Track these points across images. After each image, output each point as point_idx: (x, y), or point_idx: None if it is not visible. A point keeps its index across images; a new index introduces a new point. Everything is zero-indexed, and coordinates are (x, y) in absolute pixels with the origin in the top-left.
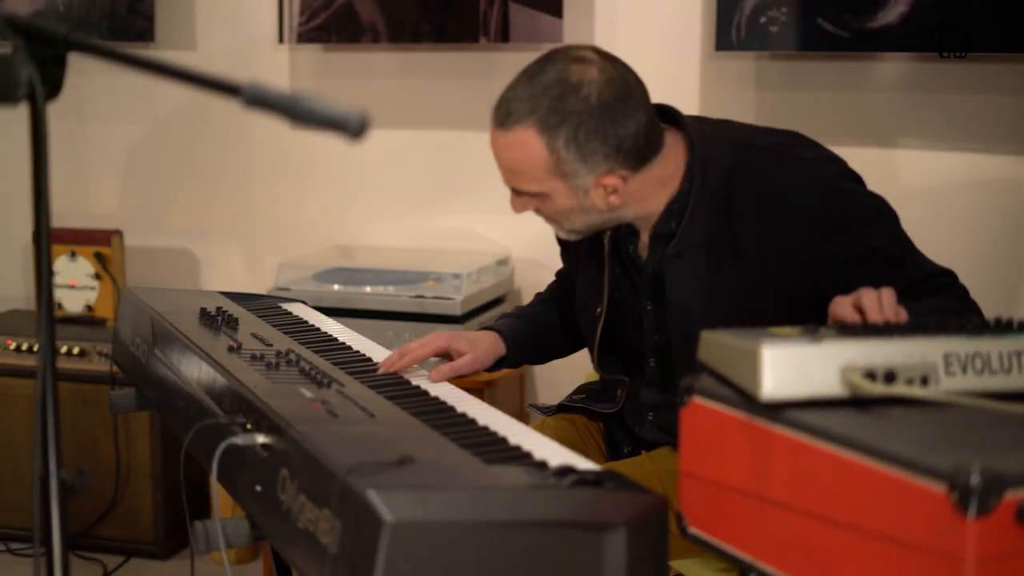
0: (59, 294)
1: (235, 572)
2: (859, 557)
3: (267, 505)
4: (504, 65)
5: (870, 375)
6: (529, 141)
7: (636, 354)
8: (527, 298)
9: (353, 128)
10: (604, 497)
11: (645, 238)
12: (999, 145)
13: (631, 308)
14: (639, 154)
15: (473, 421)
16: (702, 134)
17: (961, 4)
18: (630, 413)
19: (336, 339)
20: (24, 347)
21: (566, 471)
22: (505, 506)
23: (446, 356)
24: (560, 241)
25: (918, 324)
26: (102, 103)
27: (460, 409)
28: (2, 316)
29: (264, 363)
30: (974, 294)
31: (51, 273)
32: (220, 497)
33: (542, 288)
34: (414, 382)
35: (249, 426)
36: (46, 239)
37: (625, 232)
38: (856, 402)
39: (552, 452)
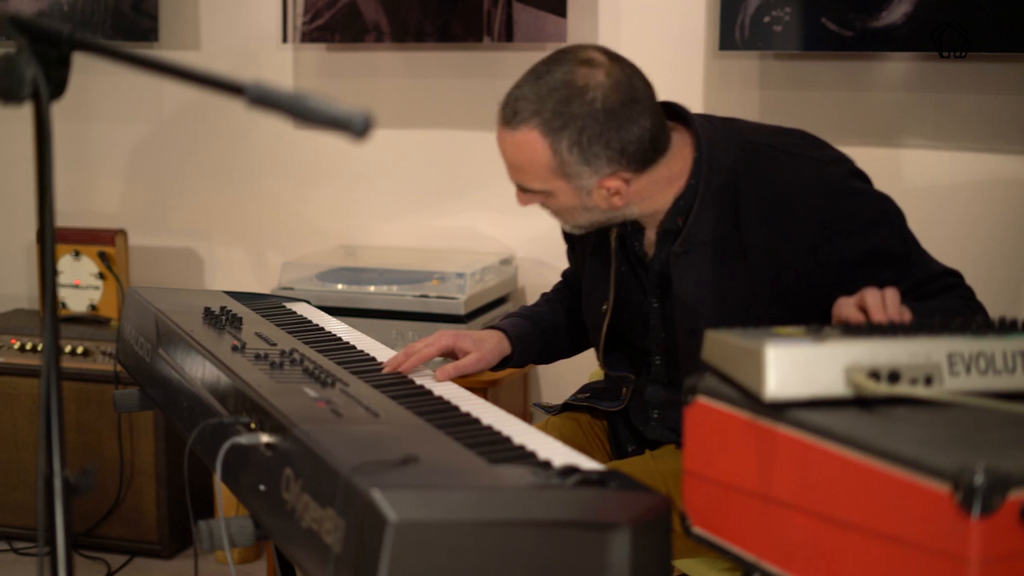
0: (63, 293)
1: (239, 571)
2: (863, 557)
3: (271, 504)
4: (508, 65)
5: (874, 375)
6: (533, 142)
7: (642, 352)
8: (531, 297)
9: (357, 128)
10: (608, 497)
11: (651, 235)
12: (1003, 145)
13: (637, 306)
14: (643, 157)
15: (477, 421)
16: (709, 132)
17: (965, 3)
18: (635, 411)
19: (340, 338)
20: (28, 346)
21: (570, 471)
22: (509, 506)
23: (451, 355)
24: (566, 239)
25: (922, 324)
26: (106, 102)
27: (464, 409)
28: (6, 315)
29: (268, 362)
30: (978, 293)
31: (55, 272)
32: (224, 496)
33: (546, 287)
34: (418, 381)
35: (253, 425)
36: (50, 238)
37: (631, 229)
38: (860, 402)
39: (556, 452)
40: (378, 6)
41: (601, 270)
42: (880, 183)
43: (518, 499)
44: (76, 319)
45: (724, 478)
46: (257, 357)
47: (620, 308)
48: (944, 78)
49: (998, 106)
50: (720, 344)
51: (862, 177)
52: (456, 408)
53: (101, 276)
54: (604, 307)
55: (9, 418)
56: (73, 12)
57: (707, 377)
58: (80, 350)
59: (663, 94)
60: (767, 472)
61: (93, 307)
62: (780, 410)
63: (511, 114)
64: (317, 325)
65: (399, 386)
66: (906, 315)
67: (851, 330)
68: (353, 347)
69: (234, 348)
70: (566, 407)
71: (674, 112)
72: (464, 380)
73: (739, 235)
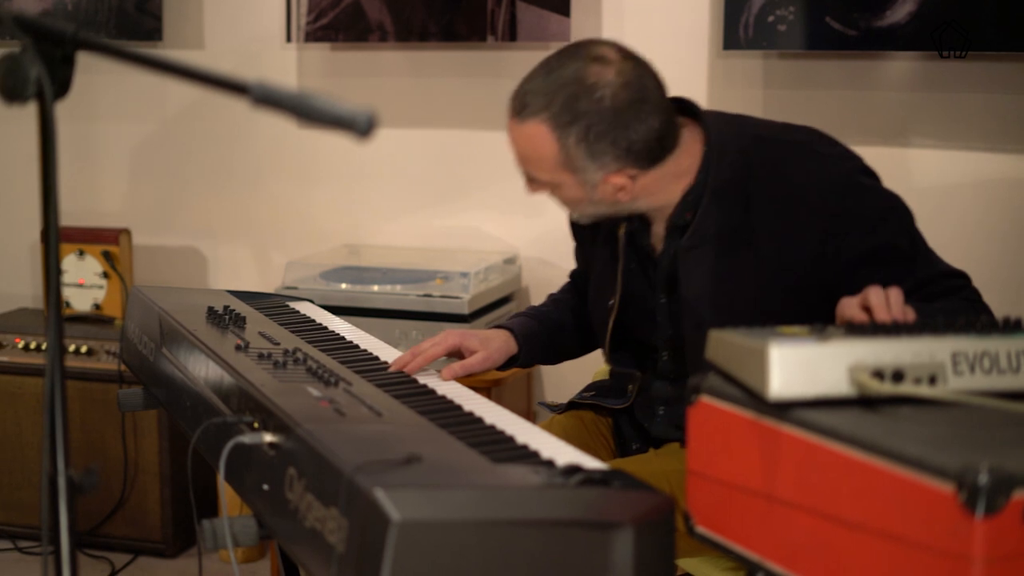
0: (67, 293)
1: (242, 571)
2: (867, 556)
3: (274, 504)
4: (512, 64)
5: (878, 374)
6: (541, 135)
7: (649, 348)
8: (535, 296)
9: (361, 127)
10: (611, 496)
11: (660, 229)
12: (1008, 144)
13: (644, 301)
14: (650, 155)
15: (480, 420)
16: (719, 127)
17: (969, 3)
18: (640, 407)
19: (343, 338)
20: (32, 346)
21: (573, 470)
22: (512, 505)
23: (457, 354)
24: (574, 237)
25: (926, 323)
26: (110, 102)
27: (467, 408)
28: (10, 315)
29: (271, 362)
30: (981, 292)
31: (59, 272)
32: (227, 496)
33: (550, 286)
34: (421, 380)
35: (256, 425)
36: (54, 238)
37: (638, 225)
38: (864, 401)
39: (559, 451)
40: (382, 5)
41: (609, 266)
42: (884, 182)
43: (521, 498)
44: (80, 318)
45: (728, 477)
46: (261, 356)
47: (627, 304)
48: (949, 78)
49: (1003, 105)
50: (724, 343)
51: (872, 175)
52: (459, 407)
53: (105, 275)
54: (611, 302)
55: (13, 417)
56: (77, 11)
57: (711, 376)
58: (84, 349)
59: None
60: (771, 471)
61: (97, 306)
62: (784, 409)
63: (520, 107)
64: (321, 324)
65: (402, 385)
66: (909, 314)
67: (855, 329)
68: (356, 346)
69: (238, 347)
70: (572, 405)
71: (685, 107)
72: (468, 379)
73: (748, 230)
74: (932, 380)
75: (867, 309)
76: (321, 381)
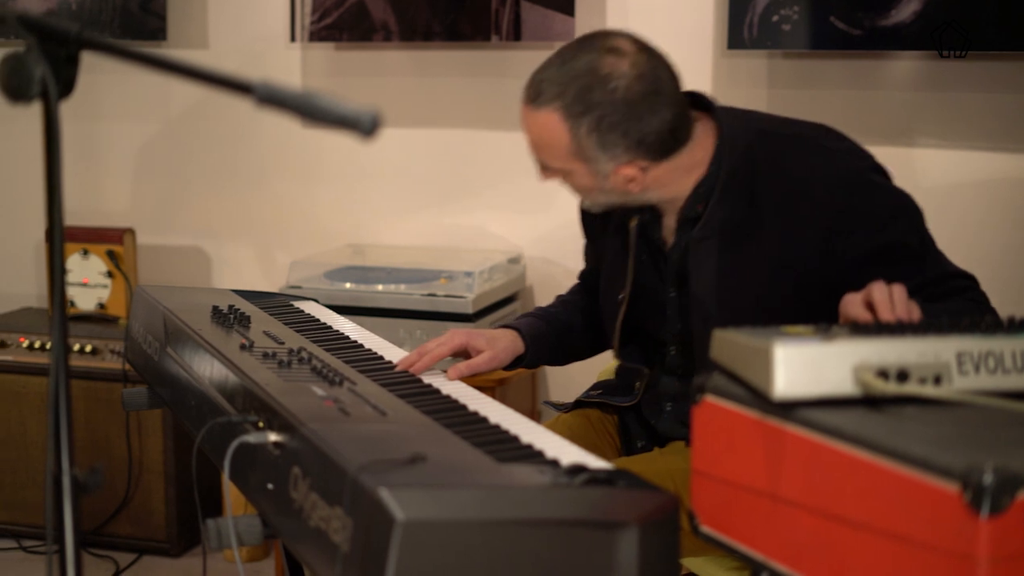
0: (71, 292)
1: (247, 570)
2: (871, 556)
3: (279, 503)
4: (516, 64)
5: (883, 374)
6: (553, 124)
7: (657, 342)
8: (539, 296)
9: (365, 126)
10: (616, 496)
11: (672, 222)
12: (1012, 144)
13: (654, 295)
14: (662, 147)
15: (485, 419)
16: (731, 121)
17: (973, 2)
18: (648, 404)
19: (348, 337)
20: (37, 345)
21: (578, 469)
22: (516, 505)
23: (464, 354)
24: (585, 228)
25: (931, 323)
26: (114, 101)
27: (472, 407)
28: (15, 314)
29: (276, 361)
30: (985, 291)
31: (63, 271)
32: (232, 495)
33: (554, 285)
34: (426, 380)
35: (261, 424)
36: (59, 237)
37: (650, 218)
38: (869, 401)
39: (564, 450)
40: (386, 5)
41: (620, 258)
42: None
43: (526, 498)
44: (84, 317)
45: (732, 477)
46: (265, 356)
47: (637, 297)
48: (953, 77)
49: (1007, 105)
50: (728, 343)
51: (882, 172)
52: (464, 407)
53: (109, 275)
54: (620, 296)
55: (18, 416)
56: (81, 11)
57: (715, 376)
58: (89, 348)
59: None
60: (775, 471)
61: (101, 305)
62: (788, 409)
63: (535, 94)
64: (325, 324)
65: (407, 385)
66: (914, 311)
67: (860, 329)
68: (361, 346)
69: (242, 347)
70: (578, 404)
71: (699, 101)
72: (473, 379)
73: (751, 225)
74: (937, 380)
75: (870, 306)
76: (326, 380)
